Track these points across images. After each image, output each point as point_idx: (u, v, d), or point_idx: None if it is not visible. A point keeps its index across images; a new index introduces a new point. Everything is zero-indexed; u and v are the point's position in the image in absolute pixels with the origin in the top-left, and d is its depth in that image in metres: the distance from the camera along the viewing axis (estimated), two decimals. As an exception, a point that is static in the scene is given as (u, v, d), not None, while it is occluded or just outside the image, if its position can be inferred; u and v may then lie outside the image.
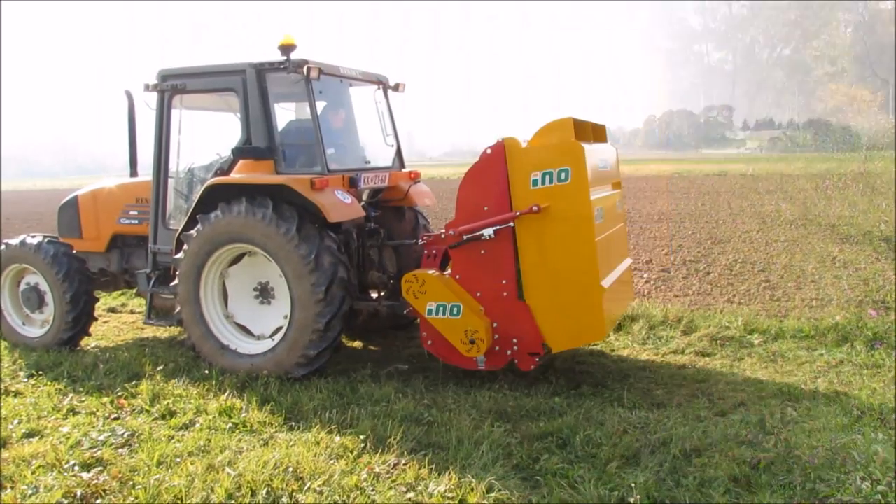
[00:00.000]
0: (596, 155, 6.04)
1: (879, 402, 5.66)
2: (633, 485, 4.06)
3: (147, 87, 7.18)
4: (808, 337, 7.52)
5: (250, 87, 6.69)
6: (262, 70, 6.70)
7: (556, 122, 5.94)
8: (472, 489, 4.11)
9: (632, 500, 3.92)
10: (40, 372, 6.86)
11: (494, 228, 5.81)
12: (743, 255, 12.77)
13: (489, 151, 5.88)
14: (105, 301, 10.75)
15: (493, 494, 4.06)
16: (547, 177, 5.68)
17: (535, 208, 5.66)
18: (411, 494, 4.15)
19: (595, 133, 6.66)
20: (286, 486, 4.26)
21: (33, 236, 7.92)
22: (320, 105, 6.96)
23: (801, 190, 25.68)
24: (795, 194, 24.52)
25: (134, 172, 8.17)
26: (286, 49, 6.60)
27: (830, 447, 4.43)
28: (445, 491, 4.14)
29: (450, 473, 4.32)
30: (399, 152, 8.00)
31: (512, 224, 5.80)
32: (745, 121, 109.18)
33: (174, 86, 7.07)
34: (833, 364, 6.79)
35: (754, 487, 4.11)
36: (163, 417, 5.63)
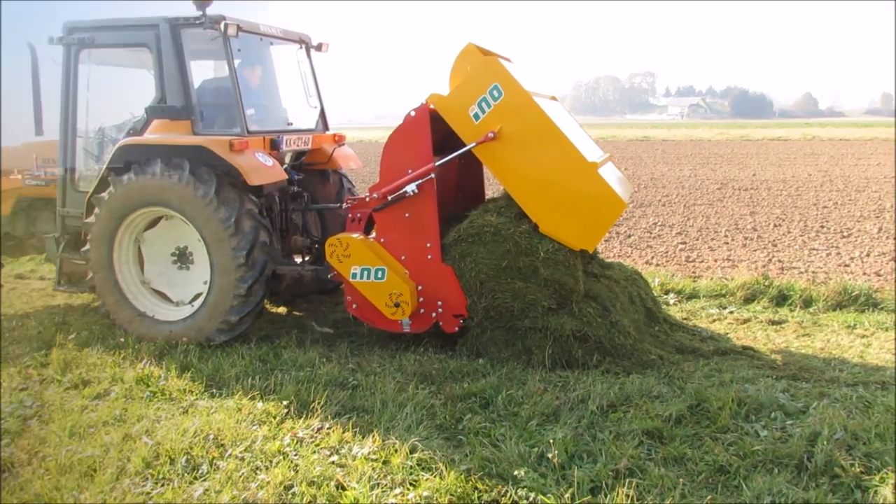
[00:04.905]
0: (516, 70, 5.96)
1: (782, 355, 6.03)
2: (551, 441, 4.18)
3: (51, 41, 6.74)
4: (720, 296, 7.90)
5: (164, 42, 6.37)
6: (176, 25, 6.37)
7: (459, 55, 5.96)
8: (396, 450, 4.15)
9: (550, 455, 4.04)
10: (-61, 343, 6.48)
11: (417, 183, 5.79)
12: (662, 219, 13.21)
13: (413, 114, 5.82)
14: (12, 267, 10.19)
15: (416, 455, 4.10)
16: (483, 103, 5.66)
17: (490, 135, 5.63)
18: (335, 458, 4.15)
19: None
20: (206, 453, 4.20)
21: (-74, 199, 7.40)
22: (239, 64, 6.70)
23: (718, 156, 26.60)
24: (712, 160, 25.40)
25: (39, 131, 7.68)
26: (202, 4, 6.29)
27: (736, 398, 4.68)
28: (369, 453, 4.16)
29: (374, 436, 4.35)
30: (323, 114, 7.81)
31: (433, 176, 5.78)
32: (668, 87, 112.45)
33: (82, 39, 6.66)
34: (741, 321, 7.17)
35: (666, 439, 4.31)
36: (75, 387, 5.41)
